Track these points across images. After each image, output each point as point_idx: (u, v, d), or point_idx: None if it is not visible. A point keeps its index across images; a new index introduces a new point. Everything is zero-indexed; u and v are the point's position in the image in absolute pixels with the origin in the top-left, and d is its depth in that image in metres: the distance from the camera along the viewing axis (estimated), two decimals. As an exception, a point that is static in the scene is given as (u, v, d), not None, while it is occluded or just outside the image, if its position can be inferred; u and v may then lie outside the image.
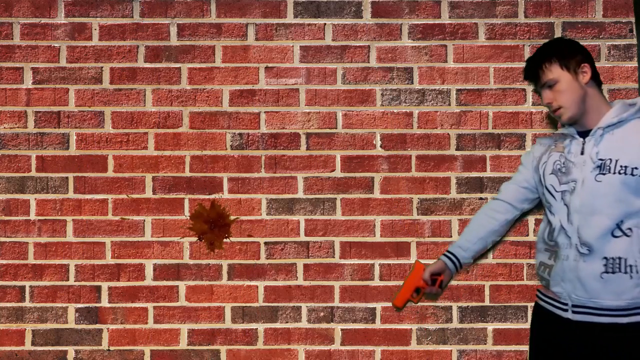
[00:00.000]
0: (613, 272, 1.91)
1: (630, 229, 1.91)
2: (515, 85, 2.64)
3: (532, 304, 2.61)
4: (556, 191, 2.05)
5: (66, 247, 2.63)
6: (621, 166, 1.91)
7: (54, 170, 2.63)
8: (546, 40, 2.63)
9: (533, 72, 2.07)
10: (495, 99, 2.64)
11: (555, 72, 2.02)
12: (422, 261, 2.54)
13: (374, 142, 2.64)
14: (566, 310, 2.01)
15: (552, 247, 2.07)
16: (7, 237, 2.63)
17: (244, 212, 2.64)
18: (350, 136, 2.64)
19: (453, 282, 2.63)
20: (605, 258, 1.92)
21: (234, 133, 2.65)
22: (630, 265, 1.90)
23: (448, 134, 2.64)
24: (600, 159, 1.95)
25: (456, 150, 2.64)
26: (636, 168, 1.90)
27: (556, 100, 2.03)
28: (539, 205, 2.31)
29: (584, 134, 2.03)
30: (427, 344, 2.62)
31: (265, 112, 2.65)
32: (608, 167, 1.93)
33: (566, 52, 2.04)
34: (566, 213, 2.00)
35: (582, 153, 2.00)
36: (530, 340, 2.18)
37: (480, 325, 2.62)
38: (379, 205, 2.63)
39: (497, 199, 2.32)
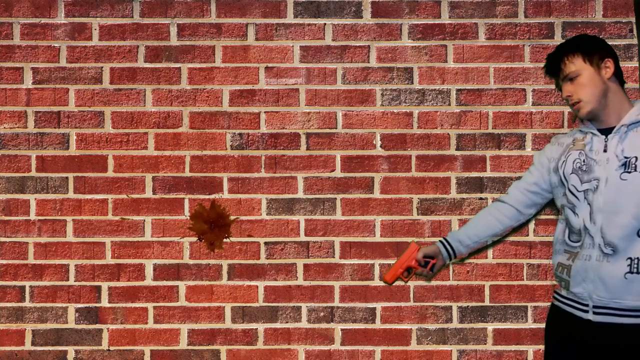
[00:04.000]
0: (638, 273, 1.87)
1: None
2: (515, 85, 2.64)
3: (533, 304, 2.61)
4: (578, 191, 1.99)
5: (66, 247, 2.63)
6: None
7: (54, 170, 2.63)
8: (546, 40, 2.64)
9: (555, 64, 2.03)
10: (495, 99, 2.64)
11: (577, 64, 1.98)
12: (416, 240, 2.53)
13: (374, 142, 2.64)
14: (587, 312, 1.97)
15: (572, 248, 2.03)
16: (7, 237, 2.63)
17: (244, 212, 2.64)
18: (350, 136, 2.64)
19: (453, 282, 2.63)
20: (630, 258, 1.88)
21: (234, 133, 2.65)
22: None
23: (448, 134, 2.64)
24: (626, 157, 1.91)
25: (456, 150, 2.64)
26: None
27: (576, 93, 1.98)
28: (544, 206, 2.30)
29: (604, 131, 1.99)
30: (427, 344, 2.62)
31: (265, 112, 2.65)
32: (634, 165, 1.89)
33: (590, 45, 2.00)
34: (589, 212, 1.96)
35: (604, 150, 1.96)
36: (547, 341, 2.13)
37: (480, 325, 2.62)
38: (379, 205, 2.63)
39: (505, 203, 2.27)
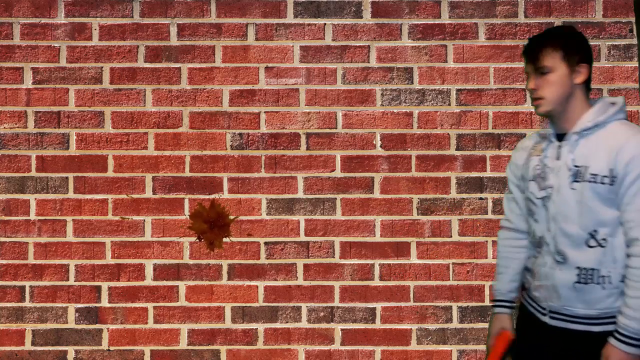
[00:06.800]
0: (586, 283, 1.87)
1: (604, 239, 1.85)
2: (515, 85, 2.64)
3: (532, 304, 2.61)
4: (537, 198, 1.97)
5: (66, 247, 2.63)
6: (591, 174, 1.84)
7: (54, 170, 2.63)
8: (546, 40, 2.63)
9: (534, 51, 1.94)
10: (495, 99, 2.64)
11: (555, 60, 1.90)
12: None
13: (374, 142, 2.64)
14: (544, 315, 1.98)
15: (535, 252, 2.02)
16: (7, 237, 2.63)
17: (243, 212, 2.64)
18: (350, 136, 2.64)
19: (453, 282, 2.63)
20: (579, 268, 1.88)
21: (234, 133, 2.65)
22: (603, 276, 1.86)
23: (448, 134, 2.64)
24: (576, 166, 1.87)
25: (456, 150, 2.64)
26: (605, 176, 1.82)
27: (542, 89, 1.91)
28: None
29: (561, 137, 1.95)
30: (427, 344, 2.62)
31: (265, 112, 2.65)
32: (582, 175, 1.86)
33: (573, 45, 1.93)
34: (546, 220, 1.95)
35: (558, 158, 1.92)
36: (516, 338, 2.14)
37: (480, 325, 2.62)
38: (379, 205, 2.63)
39: (512, 229, 2.16)
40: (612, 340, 1.81)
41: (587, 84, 1.95)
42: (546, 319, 1.97)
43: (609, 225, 1.85)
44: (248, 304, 2.63)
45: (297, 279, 2.63)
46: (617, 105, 1.91)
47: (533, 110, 2.63)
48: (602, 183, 1.83)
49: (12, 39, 2.65)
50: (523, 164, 2.05)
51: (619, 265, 1.85)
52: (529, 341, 2.03)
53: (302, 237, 2.63)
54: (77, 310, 2.63)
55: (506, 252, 2.16)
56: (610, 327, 1.85)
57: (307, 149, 2.65)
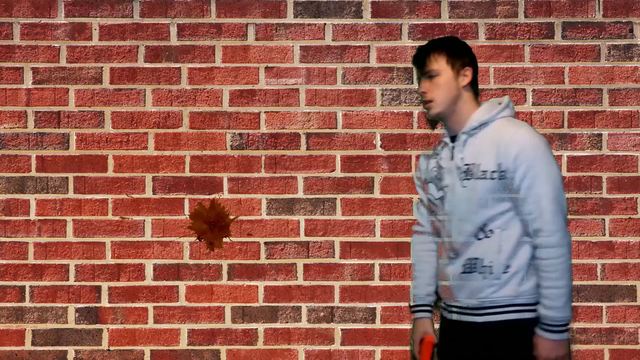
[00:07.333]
0: (470, 272, 1.96)
1: (491, 230, 1.93)
2: (515, 85, 2.64)
3: (532, 304, 2.62)
4: (436, 198, 2.07)
5: (66, 247, 2.63)
6: (482, 171, 1.92)
7: (54, 170, 2.63)
8: (546, 40, 2.64)
9: (421, 58, 2.06)
10: (495, 99, 2.64)
11: (440, 64, 2.01)
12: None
13: (374, 142, 2.64)
14: (450, 312, 2.07)
15: (443, 252, 2.11)
16: (7, 237, 2.63)
17: (243, 212, 2.64)
18: (350, 136, 2.65)
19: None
20: (466, 259, 1.97)
21: (234, 133, 2.65)
22: (485, 266, 1.93)
23: (448, 134, 2.64)
24: (466, 165, 1.96)
25: (456, 150, 2.63)
26: (494, 172, 1.90)
27: (431, 92, 2.02)
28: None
29: (455, 138, 2.04)
30: (427, 344, 2.62)
31: (265, 112, 2.65)
32: (472, 173, 1.94)
33: (457, 49, 2.05)
34: (444, 219, 2.04)
35: (452, 159, 2.02)
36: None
37: (480, 325, 2.62)
38: (379, 205, 2.63)
39: (423, 233, 2.24)
40: (537, 331, 1.89)
41: (473, 86, 2.06)
42: (451, 316, 2.06)
43: (499, 219, 1.92)
44: (248, 304, 2.63)
45: (297, 279, 2.63)
46: (502, 105, 2.01)
47: (533, 110, 2.63)
48: (492, 178, 1.91)
49: (12, 39, 2.65)
50: (424, 168, 2.17)
51: (503, 256, 1.91)
52: (444, 340, 2.12)
53: (302, 237, 2.63)
54: (77, 310, 2.63)
55: (419, 256, 2.25)
56: (492, 318, 1.93)
57: (307, 149, 2.65)
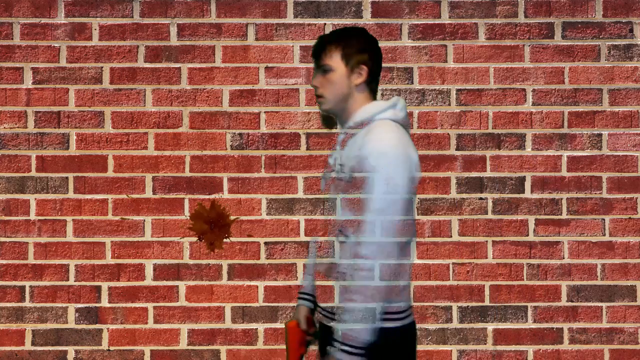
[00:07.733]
0: (329, 276, 2.03)
1: (347, 235, 1.96)
2: (515, 85, 2.64)
3: (532, 304, 2.61)
4: (325, 195, 2.12)
5: (66, 247, 2.63)
6: (345, 172, 1.92)
7: (54, 170, 2.63)
8: (546, 40, 2.64)
9: (317, 50, 1.96)
10: (495, 99, 2.64)
11: (334, 60, 1.91)
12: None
13: (374, 142, 2.64)
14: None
15: None
16: (7, 237, 2.63)
17: (244, 212, 2.64)
18: (350, 136, 2.64)
19: (453, 282, 2.63)
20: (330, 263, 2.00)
21: (234, 133, 2.65)
22: (339, 272, 1.99)
23: (448, 134, 2.64)
24: (340, 164, 1.95)
25: (456, 150, 2.64)
26: (351, 175, 1.89)
27: (323, 87, 1.93)
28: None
29: None
30: (427, 344, 2.62)
31: (265, 112, 2.65)
32: (340, 173, 1.95)
33: (354, 45, 1.92)
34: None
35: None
36: None
37: (480, 325, 2.62)
38: (379, 205, 2.63)
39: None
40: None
41: (370, 84, 1.95)
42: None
43: (353, 224, 1.95)
44: (248, 304, 2.63)
45: (297, 279, 2.63)
46: (385, 106, 1.91)
47: (533, 110, 2.63)
48: (349, 181, 1.92)
49: (12, 39, 2.65)
50: (332, 164, 2.14)
51: (355, 265, 1.94)
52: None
53: (302, 237, 2.63)
54: (77, 310, 2.63)
55: (311, 248, 2.31)
56: (333, 324, 1.98)
57: (307, 149, 2.65)
